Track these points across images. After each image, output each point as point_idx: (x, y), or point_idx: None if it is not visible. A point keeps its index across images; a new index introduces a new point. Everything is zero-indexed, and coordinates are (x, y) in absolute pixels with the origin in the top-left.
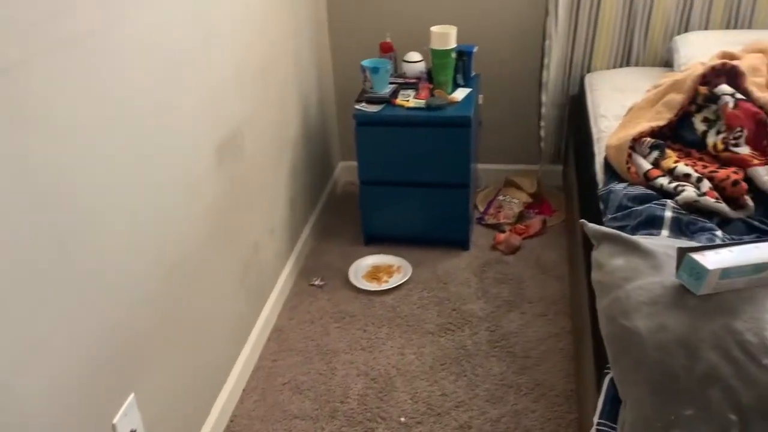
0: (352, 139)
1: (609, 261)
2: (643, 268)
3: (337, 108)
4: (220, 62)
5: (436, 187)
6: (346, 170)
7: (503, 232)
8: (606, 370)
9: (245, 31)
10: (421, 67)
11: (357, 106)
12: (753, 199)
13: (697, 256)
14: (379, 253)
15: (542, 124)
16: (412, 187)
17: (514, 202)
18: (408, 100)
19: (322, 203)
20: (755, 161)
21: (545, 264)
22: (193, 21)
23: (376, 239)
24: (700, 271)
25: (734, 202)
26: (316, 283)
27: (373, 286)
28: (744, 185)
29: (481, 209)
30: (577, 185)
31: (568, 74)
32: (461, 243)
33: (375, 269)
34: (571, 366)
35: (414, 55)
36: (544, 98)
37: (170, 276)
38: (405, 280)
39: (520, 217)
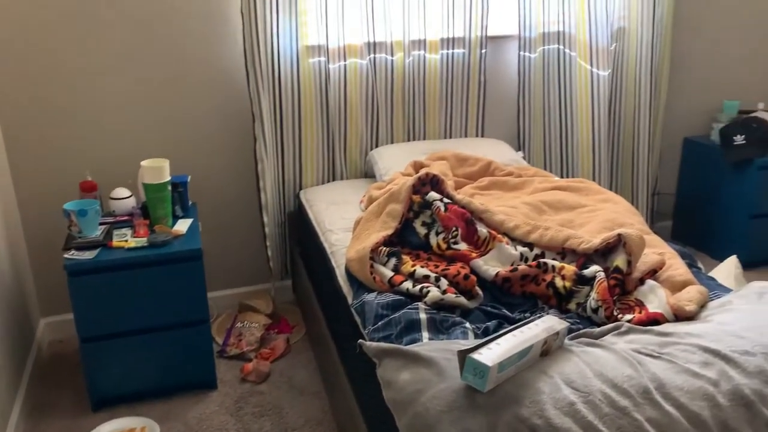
0: (53, 291)
1: (396, 377)
2: (430, 377)
3: (31, 259)
4: None
5: (171, 329)
6: (50, 328)
7: (249, 360)
8: None
9: None
10: (131, 202)
11: (67, 255)
12: (480, 288)
13: (476, 356)
14: (114, 417)
15: (268, 243)
16: (143, 334)
17: (254, 327)
18: (127, 240)
19: (28, 374)
20: (473, 255)
21: (299, 384)
22: None
23: (107, 402)
24: (482, 369)
25: (468, 294)
26: None
27: None
28: (473, 277)
29: (220, 341)
30: (317, 299)
31: (283, 193)
32: (208, 383)
33: None
34: None
35: (122, 191)
36: (265, 219)
37: None
38: None
39: (263, 341)
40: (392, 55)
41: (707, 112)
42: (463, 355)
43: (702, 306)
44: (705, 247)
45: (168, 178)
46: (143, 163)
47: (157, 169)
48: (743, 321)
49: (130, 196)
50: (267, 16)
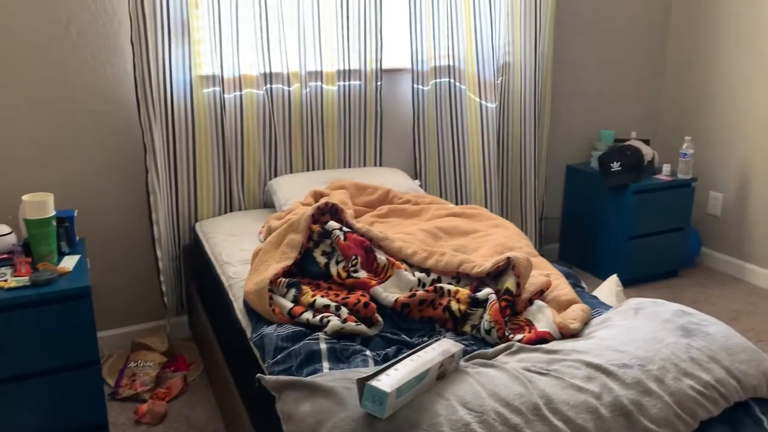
0: None
1: (296, 409)
2: (330, 407)
3: None
4: None
5: (58, 373)
6: None
7: (144, 401)
8: None
9: None
10: (11, 240)
11: None
12: (380, 314)
13: (374, 383)
14: None
15: (162, 278)
16: (27, 379)
17: (149, 366)
18: (6, 280)
19: None
20: (373, 282)
21: (198, 423)
22: None
23: None
24: (380, 395)
25: (368, 321)
26: None
27: None
28: (373, 305)
29: (112, 382)
30: (215, 334)
31: (177, 225)
32: (99, 428)
33: None
34: None
35: (0, 228)
36: (159, 253)
37: None
38: None
39: (159, 380)
40: (289, 86)
41: (587, 140)
42: (362, 383)
43: (585, 323)
44: (589, 267)
45: (52, 213)
46: (25, 197)
47: (40, 204)
48: (621, 336)
49: (10, 233)
50: (159, 46)
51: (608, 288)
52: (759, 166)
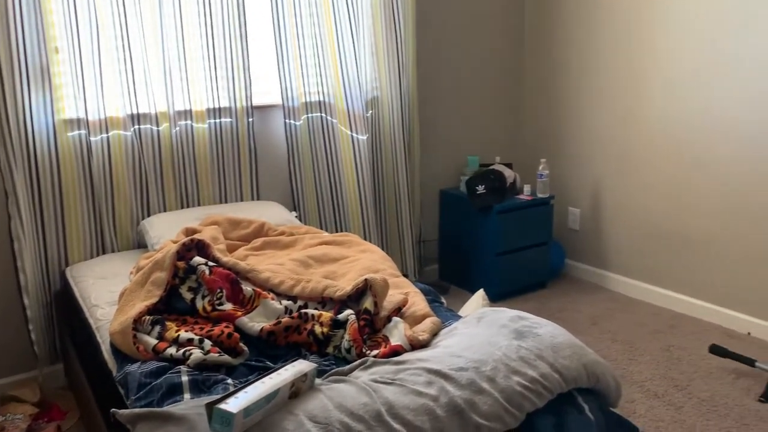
0: None
1: None
2: None
3: None
4: None
5: None
6: None
7: None
8: None
9: None
10: None
11: None
12: (247, 344)
13: (221, 406)
14: None
15: (31, 327)
16: None
17: (18, 418)
18: None
19: None
20: (239, 313)
21: None
22: None
23: None
24: (227, 417)
25: (234, 351)
26: None
27: None
28: (236, 335)
29: None
30: (87, 379)
31: (47, 272)
32: None
33: None
34: None
35: None
36: (27, 301)
37: None
38: None
39: None
40: (158, 126)
41: (456, 166)
42: (210, 407)
43: (435, 334)
44: (465, 284)
45: None
46: None
47: None
48: (462, 343)
49: None
50: (17, 92)
51: (476, 302)
52: (608, 182)
